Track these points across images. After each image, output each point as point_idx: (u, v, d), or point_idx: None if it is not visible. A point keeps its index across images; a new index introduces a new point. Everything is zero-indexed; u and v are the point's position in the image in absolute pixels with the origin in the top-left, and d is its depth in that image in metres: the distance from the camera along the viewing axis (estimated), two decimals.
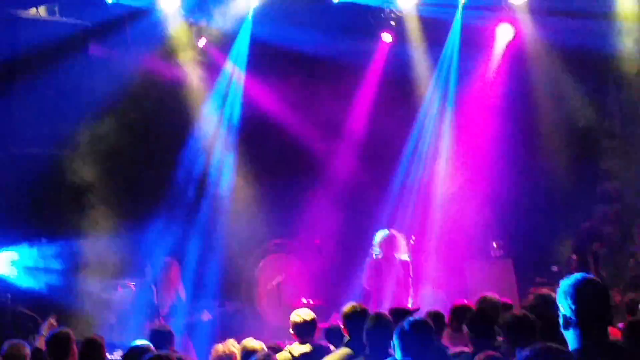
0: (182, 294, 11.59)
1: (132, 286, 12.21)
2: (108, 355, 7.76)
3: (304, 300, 12.12)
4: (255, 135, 13.86)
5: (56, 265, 12.25)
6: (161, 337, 7.63)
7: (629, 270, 13.04)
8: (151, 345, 6.93)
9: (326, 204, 13.77)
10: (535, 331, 6.26)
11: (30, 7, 12.22)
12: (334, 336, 8.09)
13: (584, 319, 4.38)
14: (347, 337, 7.20)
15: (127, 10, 12.38)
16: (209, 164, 13.60)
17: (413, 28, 13.56)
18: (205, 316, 11.51)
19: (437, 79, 13.97)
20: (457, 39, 13.63)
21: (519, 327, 6.27)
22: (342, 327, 7.37)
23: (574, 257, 12.46)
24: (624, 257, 13.41)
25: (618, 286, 12.23)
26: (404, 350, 5.86)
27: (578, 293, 4.43)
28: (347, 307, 7.35)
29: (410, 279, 11.42)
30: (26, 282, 12.02)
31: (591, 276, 4.62)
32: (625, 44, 12.87)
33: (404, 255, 11.40)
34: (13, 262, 12.01)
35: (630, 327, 6.22)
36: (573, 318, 4.41)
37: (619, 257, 13.39)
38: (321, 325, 8.68)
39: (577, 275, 4.57)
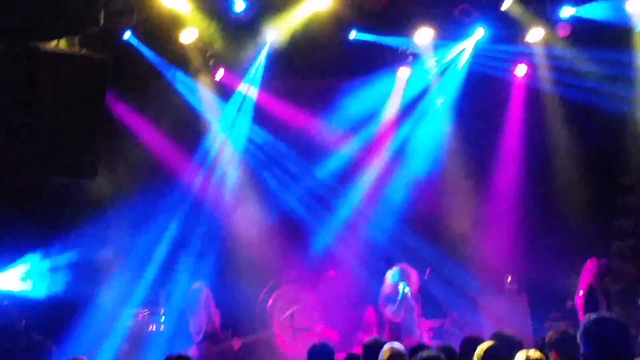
0: (217, 319, 11.61)
1: (145, 314, 12.23)
2: None
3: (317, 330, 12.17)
4: (264, 163, 13.97)
5: (69, 276, 12.26)
6: None
7: None
8: None
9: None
10: None
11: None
12: None
13: (601, 358, 4.40)
14: None
15: None
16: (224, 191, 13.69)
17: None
18: (236, 344, 11.52)
19: None
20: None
21: None
22: (362, 357, 7.44)
23: (581, 293, 12.42)
24: (637, 293, 13.38)
25: (630, 323, 12.17)
26: None
27: (594, 333, 4.46)
28: (369, 339, 7.45)
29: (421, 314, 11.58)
30: (38, 293, 12.00)
31: (609, 315, 4.64)
32: None
33: (416, 288, 11.57)
34: (25, 276, 12.01)
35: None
36: (591, 356, 4.44)
37: (632, 294, 13.35)
38: (338, 356, 8.69)
39: (597, 315, 4.60)
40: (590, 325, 4.54)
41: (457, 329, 12.78)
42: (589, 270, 12.27)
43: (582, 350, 4.61)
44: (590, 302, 11.86)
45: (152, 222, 12.85)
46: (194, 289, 11.93)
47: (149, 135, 13.03)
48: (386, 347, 7.22)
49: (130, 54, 12.31)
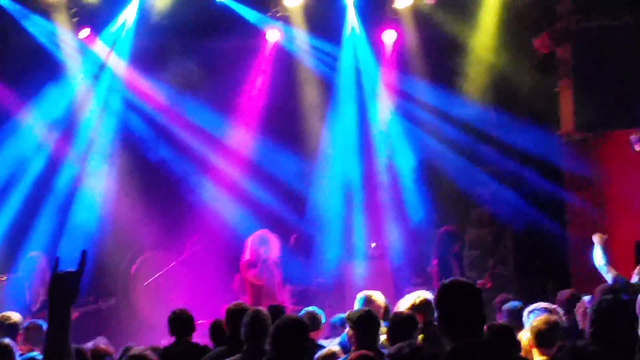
0: None
1: (2, 280, 11.81)
2: None
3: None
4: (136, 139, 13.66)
5: None
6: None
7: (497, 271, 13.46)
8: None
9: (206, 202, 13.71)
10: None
11: None
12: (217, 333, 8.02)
13: (451, 323, 4.49)
14: (227, 334, 7.25)
15: None
16: (85, 161, 13.29)
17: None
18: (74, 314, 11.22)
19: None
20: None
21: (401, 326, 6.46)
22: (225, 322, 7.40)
23: (435, 261, 12.77)
24: (495, 259, 13.82)
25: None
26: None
27: (444, 299, 4.54)
28: (232, 304, 7.41)
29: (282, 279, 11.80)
30: None
31: (460, 280, 4.72)
32: None
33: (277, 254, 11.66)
34: None
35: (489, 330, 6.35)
36: (445, 321, 4.53)
37: (489, 260, 13.78)
38: (204, 323, 8.65)
39: (448, 281, 4.68)
40: (441, 292, 4.61)
41: (322, 293, 12.89)
42: (440, 238, 12.65)
43: (436, 315, 4.69)
44: (443, 269, 12.25)
45: None
46: (29, 258, 11.60)
47: None
48: None
49: None
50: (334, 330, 8.31)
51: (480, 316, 4.53)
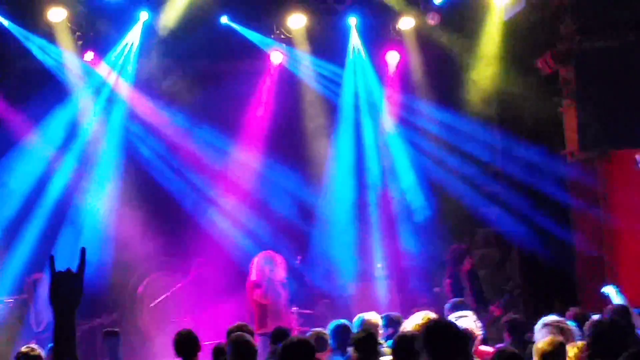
0: None
1: (9, 303, 11.83)
2: None
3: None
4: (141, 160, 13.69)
5: None
6: None
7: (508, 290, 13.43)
8: None
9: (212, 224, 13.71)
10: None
11: None
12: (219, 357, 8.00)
13: None
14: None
15: None
16: (90, 181, 13.31)
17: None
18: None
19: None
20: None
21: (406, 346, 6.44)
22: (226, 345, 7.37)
23: (448, 280, 12.76)
24: (503, 277, 13.82)
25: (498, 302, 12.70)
26: None
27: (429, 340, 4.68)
28: (233, 326, 7.40)
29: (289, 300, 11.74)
30: None
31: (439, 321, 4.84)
32: None
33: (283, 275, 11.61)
34: None
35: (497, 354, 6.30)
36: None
37: (498, 278, 13.77)
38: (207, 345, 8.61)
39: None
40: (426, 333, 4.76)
41: (329, 315, 12.85)
42: (451, 257, 12.64)
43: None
44: (455, 287, 12.23)
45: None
46: (34, 280, 11.61)
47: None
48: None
49: None
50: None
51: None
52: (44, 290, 11.23)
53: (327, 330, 8.24)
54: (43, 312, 11.24)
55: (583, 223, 12.79)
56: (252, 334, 7.60)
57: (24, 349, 7.20)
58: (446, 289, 12.73)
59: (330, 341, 8.08)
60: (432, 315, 7.69)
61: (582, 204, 12.81)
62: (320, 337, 7.97)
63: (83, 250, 3.52)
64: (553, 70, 12.97)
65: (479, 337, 7.54)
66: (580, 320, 8.00)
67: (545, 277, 13.22)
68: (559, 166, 12.90)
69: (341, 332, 8.02)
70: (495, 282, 13.77)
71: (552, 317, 7.28)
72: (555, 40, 12.82)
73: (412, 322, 7.66)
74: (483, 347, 7.89)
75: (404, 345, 6.75)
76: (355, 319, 8.31)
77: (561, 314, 8.98)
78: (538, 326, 7.23)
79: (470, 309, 8.87)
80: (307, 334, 8.15)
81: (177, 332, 7.97)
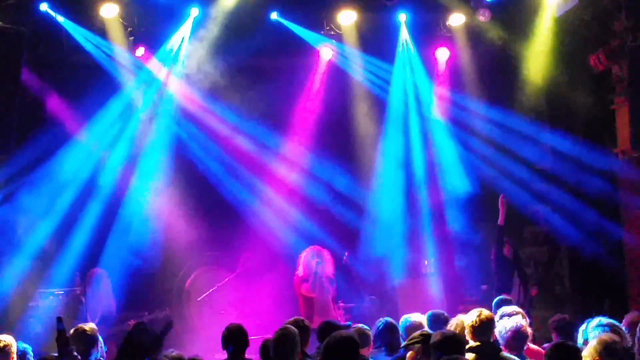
0: (113, 304, 11.49)
1: (60, 295, 12.00)
2: None
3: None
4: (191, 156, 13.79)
5: None
6: None
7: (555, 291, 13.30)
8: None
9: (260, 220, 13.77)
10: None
11: None
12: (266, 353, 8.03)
13: None
14: None
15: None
16: (140, 177, 13.45)
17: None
18: (131, 323, 11.36)
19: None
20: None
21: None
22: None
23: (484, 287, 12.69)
24: (550, 277, 13.69)
25: (545, 303, 12.57)
26: None
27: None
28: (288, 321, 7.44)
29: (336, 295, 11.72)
30: None
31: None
32: None
33: (331, 271, 11.59)
34: None
35: (555, 349, 6.26)
36: None
37: (547, 278, 13.64)
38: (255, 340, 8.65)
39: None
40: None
41: (376, 311, 12.86)
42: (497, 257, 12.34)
43: None
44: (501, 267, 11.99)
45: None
46: (93, 274, 11.76)
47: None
48: None
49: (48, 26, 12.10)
50: None
51: None
52: (97, 284, 11.50)
53: (373, 328, 8.25)
54: (97, 306, 11.39)
55: (633, 222, 12.60)
56: (307, 328, 7.62)
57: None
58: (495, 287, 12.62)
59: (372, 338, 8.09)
60: (486, 312, 7.62)
61: (633, 202, 12.62)
62: (362, 333, 7.95)
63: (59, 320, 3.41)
64: (605, 67, 12.79)
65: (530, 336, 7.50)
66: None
67: (595, 276, 13.06)
68: (610, 164, 12.73)
69: (388, 331, 8.01)
70: (544, 281, 13.64)
71: (606, 319, 7.21)
72: (608, 37, 12.63)
73: (467, 320, 7.61)
74: (533, 346, 7.84)
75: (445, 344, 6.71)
76: (402, 320, 8.29)
77: (611, 314, 8.87)
78: (593, 324, 7.16)
79: (514, 304, 8.85)
80: (350, 330, 8.14)
81: (227, 326, 8.00)
